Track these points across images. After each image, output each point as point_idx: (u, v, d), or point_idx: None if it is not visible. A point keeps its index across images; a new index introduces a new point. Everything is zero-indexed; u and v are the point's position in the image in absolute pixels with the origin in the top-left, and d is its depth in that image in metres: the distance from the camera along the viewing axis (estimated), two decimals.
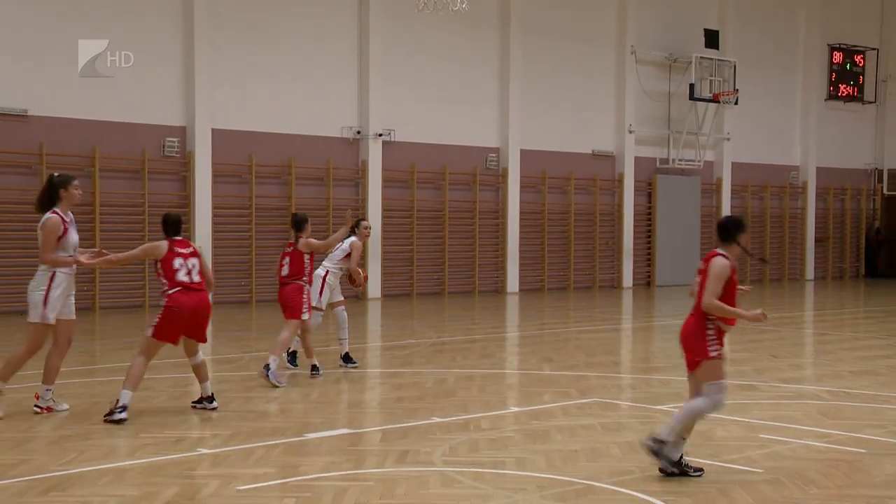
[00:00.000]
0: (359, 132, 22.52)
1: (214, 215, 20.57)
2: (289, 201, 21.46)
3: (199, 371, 9.40)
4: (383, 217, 22.74)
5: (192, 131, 20.27)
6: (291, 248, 11.34)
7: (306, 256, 11.26)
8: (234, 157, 20.91)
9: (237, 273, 21.06)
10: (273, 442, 8.07)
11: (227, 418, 9.07)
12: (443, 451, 7.81)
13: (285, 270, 11.29)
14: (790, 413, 9.51)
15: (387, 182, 22.91)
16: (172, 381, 11.00)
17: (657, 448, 6.98)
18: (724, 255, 7.11)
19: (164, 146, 20.08)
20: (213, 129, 20.47)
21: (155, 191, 19.94)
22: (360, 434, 8.59)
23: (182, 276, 9.04)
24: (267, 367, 10.79)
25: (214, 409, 9.32)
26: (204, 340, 9.44)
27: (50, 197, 9.16)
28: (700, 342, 7.08)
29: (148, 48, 19.43)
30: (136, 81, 19.41)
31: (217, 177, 20.66)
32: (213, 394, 9.44)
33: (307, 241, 11.29)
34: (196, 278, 9.13)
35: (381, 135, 22.61)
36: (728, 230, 7.22)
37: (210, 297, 9.43)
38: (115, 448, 7.91)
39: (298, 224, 11.45)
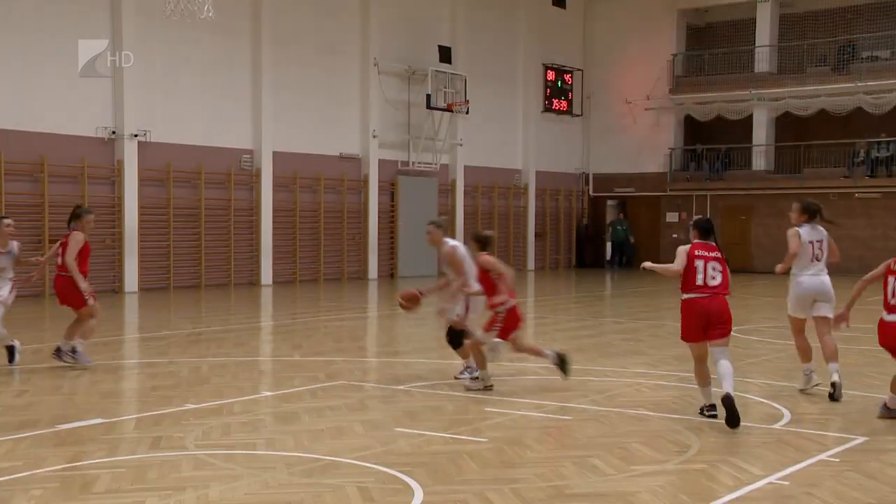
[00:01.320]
0: (114, 132, 21.46)
1: None
2: (42, 198, 20.18)
3: None
4: (140, 214, 21.82)
5: None
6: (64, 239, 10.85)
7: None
8: None
9: None
10: (21, 435, 7.47)
11: None
12: (195, 436, 7.49)
13: (59, 261, 10.80)
14: (511, 388, 9.77)
15: (144, 181, 21.97)
16: None
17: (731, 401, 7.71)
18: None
19: None
20: None
21: None
22: (113, 423, 8.09)
23: None
24: (73, 349, 10.67)
25: None
26: None
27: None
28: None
29: None
30: None
31: None
32: None
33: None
34: None
35: (136, 135, 21.65)
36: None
37: None
38: None
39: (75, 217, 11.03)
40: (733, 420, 7.65)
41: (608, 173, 35.26)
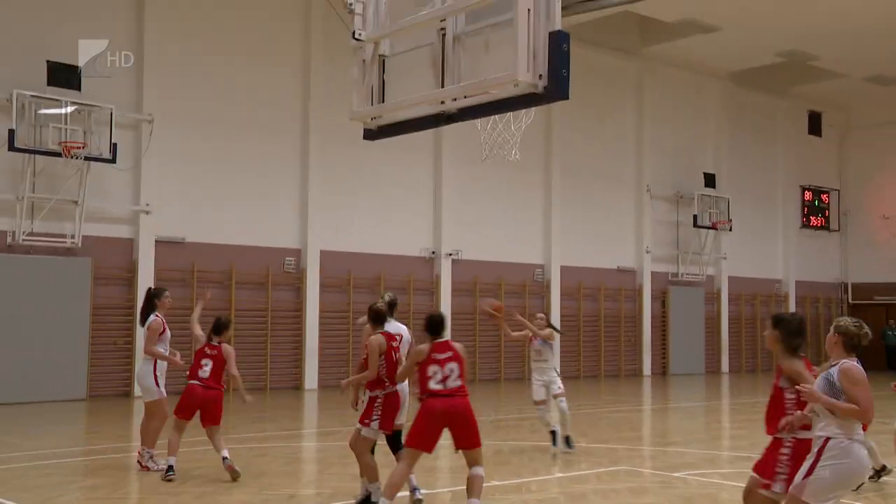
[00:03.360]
0: (433, 252, 22.67)
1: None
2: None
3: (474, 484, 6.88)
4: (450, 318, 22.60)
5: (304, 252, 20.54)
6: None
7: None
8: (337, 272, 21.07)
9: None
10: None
11: None
12: None
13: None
14: None
15: (455, 293, 22.83)
16: None
17: None
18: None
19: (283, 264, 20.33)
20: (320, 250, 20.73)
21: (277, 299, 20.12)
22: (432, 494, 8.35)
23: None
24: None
25: None
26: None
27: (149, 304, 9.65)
28: None
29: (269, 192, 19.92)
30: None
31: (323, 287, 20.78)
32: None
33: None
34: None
35: (450, 254, 22.75)
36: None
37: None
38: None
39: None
40: None
41: (868, 282, 32.59)
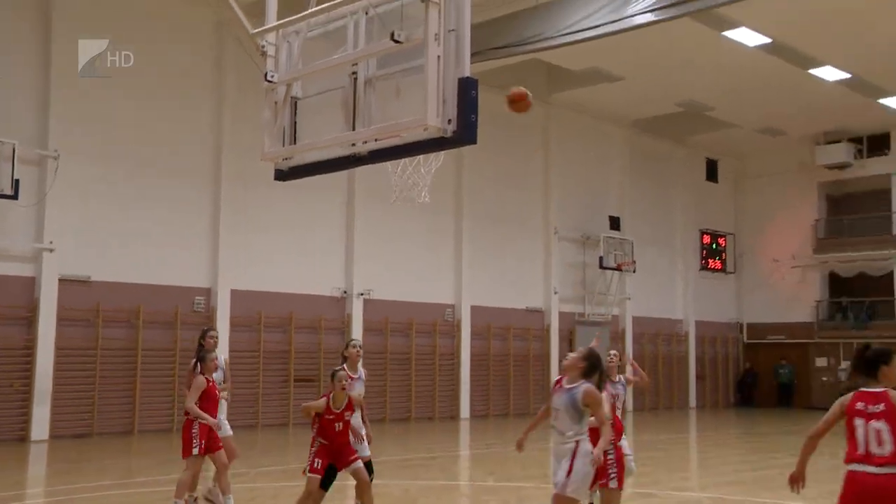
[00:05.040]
0: (345, 292, 22.48)
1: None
2: (289, 346, 21.22)
3: None
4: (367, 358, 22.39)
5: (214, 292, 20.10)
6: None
7: None
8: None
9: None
10: None
11: None
12: None
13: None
14: None
15: (366, 332, 22.68)
16: None
17: None
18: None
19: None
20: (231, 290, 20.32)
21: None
22: None
23: None
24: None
25: None
26: None
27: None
28: None
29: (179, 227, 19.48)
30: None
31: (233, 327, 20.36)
32: None
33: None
34: None
35: (361, 294, 22.58)
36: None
37: None
38: None
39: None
40: None
41: (761, 322, 33.77)
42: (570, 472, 6.08)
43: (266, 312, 20.84)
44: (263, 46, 7.53)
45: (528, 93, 6.70)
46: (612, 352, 9.62)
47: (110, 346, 18.31)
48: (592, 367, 6.44)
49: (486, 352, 25.51)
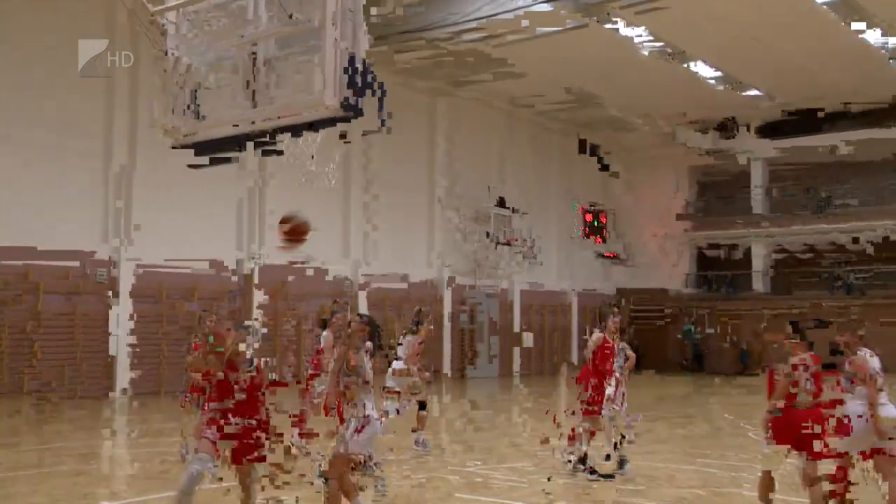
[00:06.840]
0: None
1: None
2: None
3: None
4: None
5: None
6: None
7: None
8: None
9: None
10: None
11: None
12: None
13: None
14: None
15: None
16: None
17: None
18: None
19: None
20: None
21: None
22: None
23: None
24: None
25: None
26: None
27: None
28: None
29: None
30: None
31: None
32: None
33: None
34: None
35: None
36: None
37: None
38: None
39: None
40: None
41: (637, 288, 35.20)
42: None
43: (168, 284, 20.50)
44: (163, 24, 7.44)
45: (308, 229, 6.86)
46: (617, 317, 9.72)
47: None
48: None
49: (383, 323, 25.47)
